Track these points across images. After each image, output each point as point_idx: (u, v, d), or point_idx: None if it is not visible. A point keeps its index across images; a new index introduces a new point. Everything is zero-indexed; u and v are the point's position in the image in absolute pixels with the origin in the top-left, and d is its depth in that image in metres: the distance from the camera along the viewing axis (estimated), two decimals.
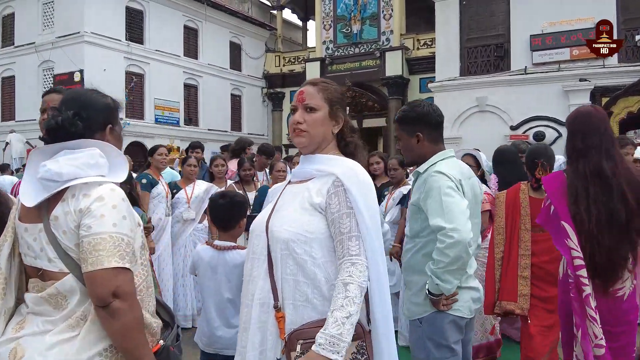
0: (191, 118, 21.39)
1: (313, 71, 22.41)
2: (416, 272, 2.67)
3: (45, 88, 18.24)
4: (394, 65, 21.09)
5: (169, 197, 5.47)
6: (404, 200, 4.89)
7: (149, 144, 15.39)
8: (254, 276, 1.88)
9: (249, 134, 23.48)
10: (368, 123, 21.77)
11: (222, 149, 7.92)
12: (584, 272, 2.53)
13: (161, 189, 5.44)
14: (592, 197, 2.57)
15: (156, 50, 19.53)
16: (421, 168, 2.72)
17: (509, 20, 15.03)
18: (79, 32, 17.15)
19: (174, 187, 5.64)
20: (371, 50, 21.69)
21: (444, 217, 2.43)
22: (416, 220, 2.69)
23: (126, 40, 18.48)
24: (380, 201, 5.24)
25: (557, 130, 14.53)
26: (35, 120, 18.13)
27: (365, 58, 21.78)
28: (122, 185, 1.77)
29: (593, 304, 2.50)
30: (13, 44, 19.05)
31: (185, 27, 21.06)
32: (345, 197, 1.82)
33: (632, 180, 2.59)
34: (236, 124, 23.54)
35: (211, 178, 6.05)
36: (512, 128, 14.97)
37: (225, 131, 22.75)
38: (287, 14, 27.41)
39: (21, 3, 18.75)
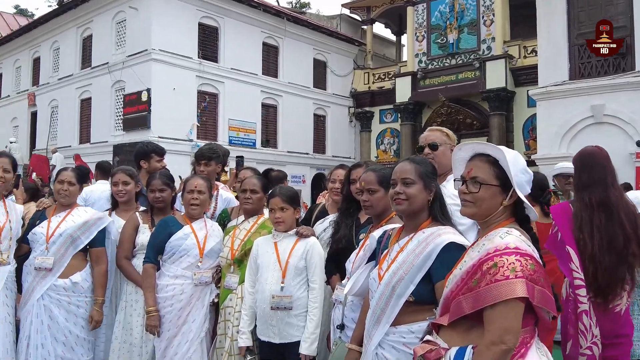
0: (269, 139, 20.01)
1: (403, 87, 20.27)
2: None
3: (117, 109, 17.81)
4: (496, 77, 18.40)
5: (4, 234, 3.60)
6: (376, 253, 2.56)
7: None
8: None
9: (333, 156, 21.70)
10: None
11: (137, 158, 4.77)
12: (582, 292, 2.82)
13: None
14: (596, 225, 2.85)
15: (232, 69, 18.45)
16: None
17: (631, 8, 11.83)
18: (146, 50, 16.45)
19: (39, 217, 3.79)
20: (469, 60, 19.13)
21: None
22: None
23: (199, 58, 17.56)
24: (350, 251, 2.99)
25: None
26: (107, 142, 17.74)
27: (462, 70, 19.26)
28: None
29: (585, 319, 2.79)
30: (90, 65, 18.91)
31: (265, 44, 19.86)
32: None
33: (628, 210, 2.93)
34: (320, 145, 21.84)
35: (114, 204, 4.14)
36: (639, 144, 11.69)
37: (307, 153, 21.13)
38: (381, 29, 25.54)
39: (98, 23, 18.61)
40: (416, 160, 2.44)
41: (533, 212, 2.00)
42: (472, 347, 1.83)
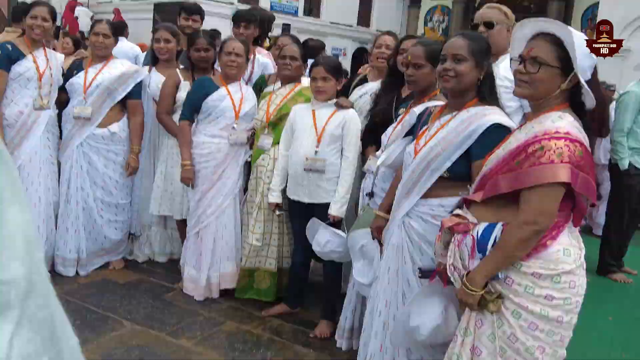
0: (312, 8, 19.25)
1: None
2: None
3: None
4: None
5: (45, 80, 3.67)
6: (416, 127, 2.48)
7: None
8: None
9: (377, 30, 20.83)
10: None
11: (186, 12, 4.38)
12: None
13: (30, 65, 3.63)
14: None
15: None
16: None
17: None
18: None
19: (76, 67, 3.83)
20: None
21: None
22: None
23: None
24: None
25: None
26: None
27: None
28: None
29: None
30: None
31: None
32: None
33: None
34: (364, 18, 20.94)
35: (154, 60, 4.10)
36: None
37: (350, 26, 20.34)
38: None
39: None
40: (470, 35, 2.26)
41: (591, 98, 1.87)
42: (502, 224, 1.82)
